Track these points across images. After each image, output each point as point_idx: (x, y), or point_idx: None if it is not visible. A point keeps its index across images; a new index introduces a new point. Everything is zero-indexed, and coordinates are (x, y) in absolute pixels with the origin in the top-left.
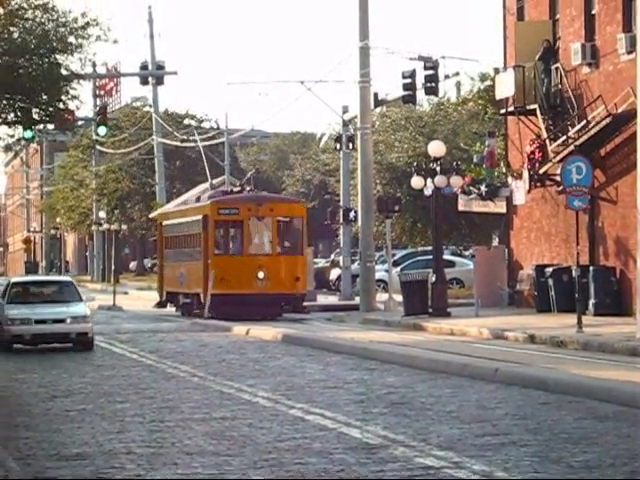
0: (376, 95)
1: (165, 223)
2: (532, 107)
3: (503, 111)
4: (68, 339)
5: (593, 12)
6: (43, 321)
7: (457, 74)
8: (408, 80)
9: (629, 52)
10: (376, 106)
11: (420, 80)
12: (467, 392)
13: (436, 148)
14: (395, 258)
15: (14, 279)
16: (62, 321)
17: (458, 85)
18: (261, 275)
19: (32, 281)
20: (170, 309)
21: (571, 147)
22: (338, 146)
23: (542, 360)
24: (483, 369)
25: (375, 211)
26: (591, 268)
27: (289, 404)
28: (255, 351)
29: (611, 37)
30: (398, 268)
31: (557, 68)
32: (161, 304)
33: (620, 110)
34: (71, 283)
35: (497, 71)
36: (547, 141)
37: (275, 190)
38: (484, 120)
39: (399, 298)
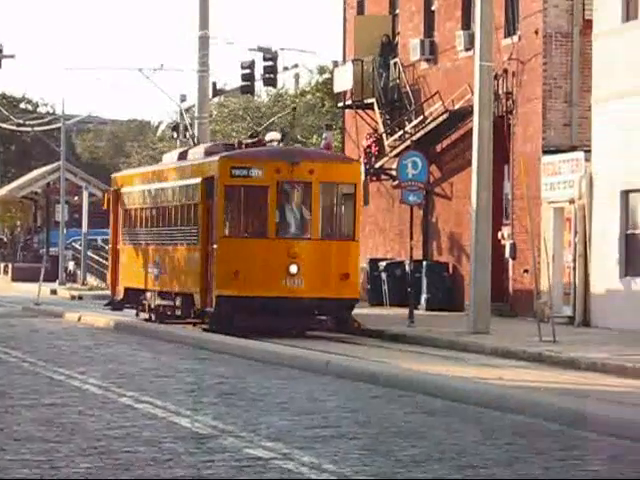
0: (215, 85)
1: (126, 190)
2: (370, 101)
3: (341, 104)
4: None
5: (433, 8)
6: None
7: (296, 66)
8: (247, 71)
9: (467, 49)
10: (214, 96)
11: (259, 71)
12: (298, 384)
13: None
14: None
15: None
16: None
17: (297, 77)
18: (294, 269)
19: None
20: (129, 313)
21: (407, 142)
22: (175, 135)
23: (373, 354)
24: (315, 361)
25: None
26: (424, 263)
27: (119, 392)
28: (87, 338)
29: (450, 34)
30: None
31: (396, 63)
32: (114, 305)
33: (457, 106)
34: None
35: (336, 64)
36: (384, 135)
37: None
38: (321, 113)
39: None
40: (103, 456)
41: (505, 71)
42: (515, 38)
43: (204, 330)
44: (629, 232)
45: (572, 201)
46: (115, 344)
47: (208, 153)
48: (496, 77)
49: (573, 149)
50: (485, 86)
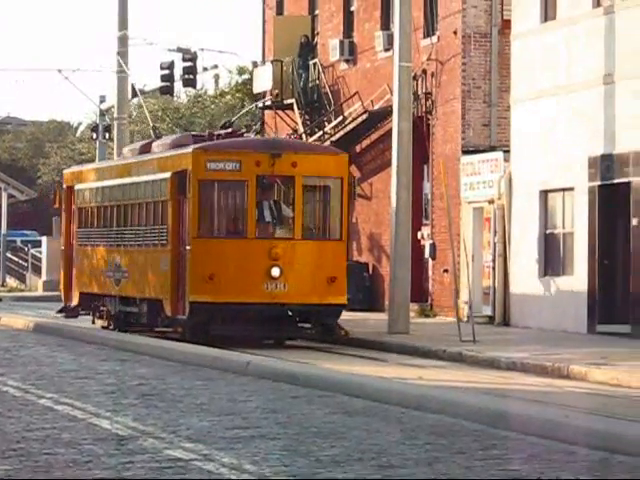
0: (134, 85)
1: (80, 187)
2: (289, 102)
3: (260, 105)
4: None
5: (352, 9)
6: None
7: (216, 67)
8: (166, 71)
9: (386, 50)
10: (134, 96)
11: (178, 72)
12: (218, 385)
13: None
14: None
15: None
16: None
17: (216, 78)
18: (276, 273)
19: None
20: (84, 319)
21: (327, 142)
22: (95, 135)
23: (293, 354)
24: (235, 362)
25: None
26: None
27: (39, 394)
28: (5, 340)
29: (369, 34)
30: None
31: (315, 64)
32: (67, 312)
33: (377, 107)
34: None
35: (255, 65)
36: (304, 136)
37: (30, 180)
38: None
39: None
40: (22, 458)
41: (424, 71)
42: (434, 39)
43: (177, 340)
44: (548, 232)
45: (491, 201)
46: (34, 345)
47: (176, 145)
48: (415, 77)
49: (492, 149)
50: (404, 87)
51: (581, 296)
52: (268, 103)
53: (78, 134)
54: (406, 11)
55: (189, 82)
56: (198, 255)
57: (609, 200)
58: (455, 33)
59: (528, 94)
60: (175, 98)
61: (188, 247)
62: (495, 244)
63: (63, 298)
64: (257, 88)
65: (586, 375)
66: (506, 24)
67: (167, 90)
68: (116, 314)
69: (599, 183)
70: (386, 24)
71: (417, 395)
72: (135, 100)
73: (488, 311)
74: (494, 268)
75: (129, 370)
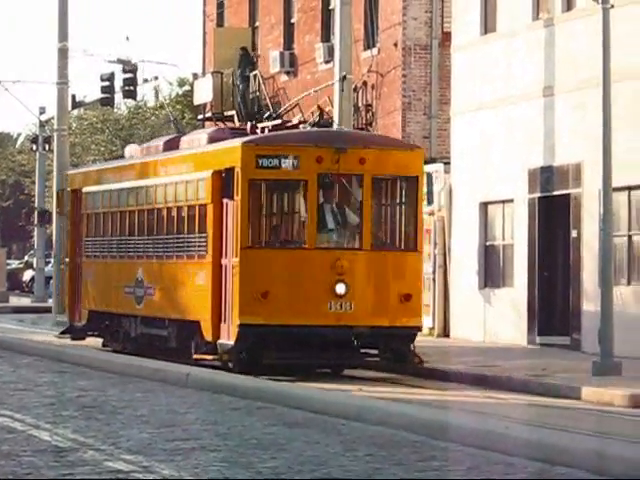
0: (74, 97)
1: (90, 190)
2: (230, 113)
3: (201, 117)
4: None
5: (292, 21)
6: None
7: (156, 78)
8: (106, 83)
9: (327, 61)
10: (74, 108)
11: (119, 83)
12: (158, 397)
13: (132, 152)
14: None
15: None
16: None
17: (157, 89)
18: (341, 289)
19: None
20: (92, 341)
21: None
22: (34, 147)
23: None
24: (175, 374)
25: None
26: None
27: None
28: None
29: (310, 46)
30: None
31: (256, 75)
32: (74, 332)
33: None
34: None
35: (196, 76)
36: None
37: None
38: (182, 125)
39: None
40: None
41: (365, 83)
42: (375, 51)
43: (217, 368)
44: (488, 243)
45: (432, 213)
46: None
47: (212, 140)
48: (356, 89)
49: (433, 161)
50: (345, 98)
51: (521, 308)
52: (209, 115)
53: (18, 145)
54: (346, 23)
55: (129, 93)
56: (248, 269)
57: (549, 212)
58: (395, 45)
59: (468, 106)
60: (115, 109)
61: (235, 259)
62: (435, 256)
63: (68, 317)
64: (197, 100)
65: (526, 386)
66: (446, 36)
67: (107, 101)
68: (136, 337)
69: (539, 195)
70: (326, 36)
71: (357, 406)
72: (75, 112)
73: (428, 323)
74: (434, 280)
75: (69, 382)
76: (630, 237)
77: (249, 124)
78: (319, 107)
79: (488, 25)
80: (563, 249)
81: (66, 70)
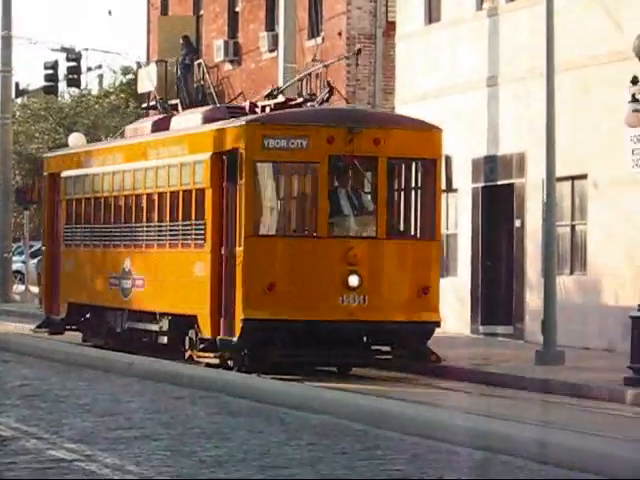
0: (18, 85)
1: (69, 175)
2: (174, 102)
3: (145, 105)
4: None
5: (237, 9)
6: None
7: (100, 67)
8: (50, 71)
9: (271, 50)
10: (17, 96)
11: (62, 71)
12: (102, 385)
13: (76, 140)
14: (33, 250)
15: None
16: None
17: (101, 78)
18: (354, 281)
19: None
20: (72, 335)
21: None
22: None
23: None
24: (118, 362)
25: (13, 202)
26: None
27: None
28: None
29: (254, 35)
30: (36, 260)
31: (200, 64)
32: (51, 327)
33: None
34: None
35: (140, 65)
36: None
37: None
38: (126, 114)
39: (36, 290)
40: None
41: (309, 73)
42: (319, 40)
43: (215, 367)
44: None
45: None
46: None
47: (207, 120)
48: (300, 78)
49: None
50: (289, 88)
51: (464, 297)
52: (152, 103)
53: None
54: (291, 12)
55: (73, 82)
56: (254, 259)
57: (492, 202)
58: (340, 34)
59: (412, 96)
60: (59, 98)
61: (239, 248)
62: None
63: (44, 309)
64: (141, 88)
65: (470, 376)
66: (391, 26)
67: (51, 90)
68: (122, 332)
69: (482, 184)
70: (271, 25)
71: (300, 395)
72: (19, 100)
73: None
74: None
75: (12, 371)
76: (573, 227)
77: (248, 102)
78: (328, 83)
79: (432, 15)
80: (507, 239)
81: (10, 58)
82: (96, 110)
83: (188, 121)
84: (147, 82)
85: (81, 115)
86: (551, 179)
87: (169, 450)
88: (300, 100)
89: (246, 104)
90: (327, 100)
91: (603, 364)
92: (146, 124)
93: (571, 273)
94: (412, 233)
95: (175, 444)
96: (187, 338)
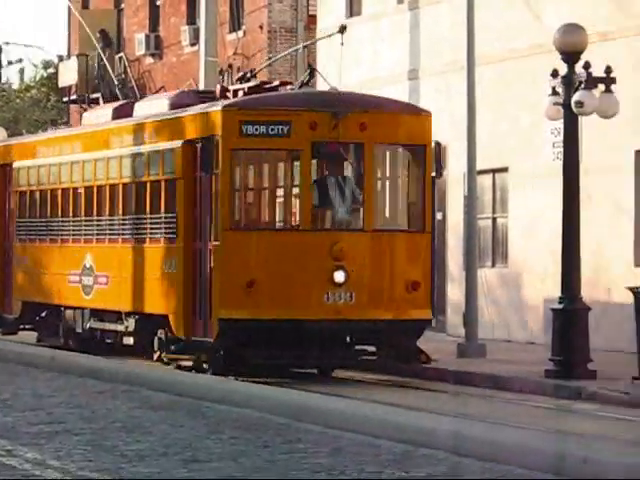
0: None
1: (22, 165)
2: (95, 96)
3: (66, 99)
4: None
5: (158, 3)
6: None
7: (21, 60)
8: None
9: (192, 44)
10: None
11: None
12: (23, 380)
13: None
14: None
15: None
16: None
17: (22, 72)
18: (340, 277)
19: None
20: (26, 335)
21: None
22: None
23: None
24: (39, 357)
25: None
26: None
27: None
28: None
29: (175, 28)
30: None
31: (121, 58)
32: (4, 326)
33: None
34: None
35: (61, 59)
36: None
37: None
38: (47, 108)
39: None
40: None
41: (230, 66)
42: (240, 33)
43: (190, 370)
44: None
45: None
46: None
47: (175, 105)
48: (221, 72)
49: None
50: (210, 81)
51: None
52: (74, 97)
53: None
54: (212, 6)
55: None
56: (231, 254)
57: None
58: (261, 28)
59: None
60: None
61: (216, 242)
62: None
63: None
64: (62, 82)
65: (391, 369)
66: (312, 19)
67: None
68: (83, 332)
69: None
70: (192, 18)
71: (222, 389)
72: None
73: None
74: None
75: None
76: (494, 220)
77: (218, 86)
78: (310, 65)
79: (353, 8)
80: None
81: None
82: (17, 104)
83: (153, 107)
84: (68, 76)
85: (2, 109)
86: (472, 172)
87: (90, 444)
88: (277, 83)
89: (217, 88)
90: (307, 83)
91: (525, 357)
92: (107, 111)
93: (493, 266)
94: (401, 225)
95: (96, 438)
96: (156, 339)
